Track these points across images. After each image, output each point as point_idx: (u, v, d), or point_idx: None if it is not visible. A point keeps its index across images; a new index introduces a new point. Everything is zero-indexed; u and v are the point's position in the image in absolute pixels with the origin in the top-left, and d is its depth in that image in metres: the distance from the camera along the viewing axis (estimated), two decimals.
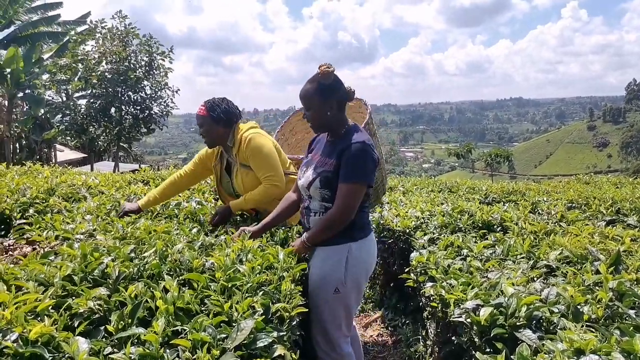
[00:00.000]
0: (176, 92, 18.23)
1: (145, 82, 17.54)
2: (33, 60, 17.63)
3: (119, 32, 16.97)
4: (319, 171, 2.16)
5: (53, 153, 21.32)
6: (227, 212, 2.71)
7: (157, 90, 17.82)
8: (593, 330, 1.49)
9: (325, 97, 2.11)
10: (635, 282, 1.85)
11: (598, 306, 1.63)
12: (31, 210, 2.68)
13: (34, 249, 2.11)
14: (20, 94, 17.80)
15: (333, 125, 2.19)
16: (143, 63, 17.27)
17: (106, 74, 16.39)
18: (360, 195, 2.09)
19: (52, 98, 18.28)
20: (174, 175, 2.99)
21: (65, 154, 23.68)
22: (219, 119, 2.73)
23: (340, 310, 2.19)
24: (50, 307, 1.40)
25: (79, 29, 19.31)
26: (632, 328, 1.43)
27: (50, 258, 1.81)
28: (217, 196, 3.15)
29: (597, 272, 1.95)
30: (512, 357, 1.40)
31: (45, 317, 1.33)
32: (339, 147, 2.12)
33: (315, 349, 2.29)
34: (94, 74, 16.25)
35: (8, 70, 16.06)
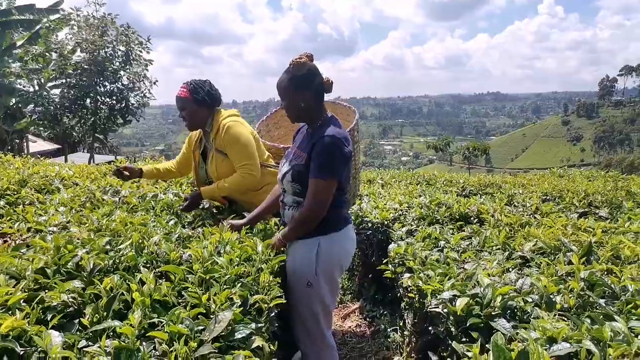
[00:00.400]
0: (154, 83, 17.96)
1: (122, 73, 17.22)
2: (3, 48, 17.07)
3: (96, 21, 16.57)
4: (292, 164, 2.14)
5: (25, 144, 20.77)
6: (197, 198, 2.67)
7: (134, 81, 17.52)
8: (565, 319, 1.53)
9: (298, 87, 2.07)
10: (605, 273, 1.91)
11: (570, 296, 1.67)
12: (2, 202, 2.61)
13: (5, 242, 2.05)
14: None
15: (308, 116, 2.15)
16: (120, 53, 16.93)
17: (83, 64, 16.01)
18: (331, 190, 2.05)
19: (24, 87, 17.78)
20: (170, 163, 3.05)
21: (38, 144, 23.10)
22: (203, 101, 2.67)
23: (316, 304, 2.17)
24: (22, 300, 1.36)
25: (52, 17, 18.80)
26: (602, 316, 1.47)
27: (22, 251, 1.76)
28: (195, 186, 3.12)
29: (570, 262, 2.00)
30: (487, 346, 1.42)
31: (17, 310, 1.30)
32: (313, 140, 2.08)
33: (297, 343, 2.30)
34: (69, 63, 15.85)
35: None
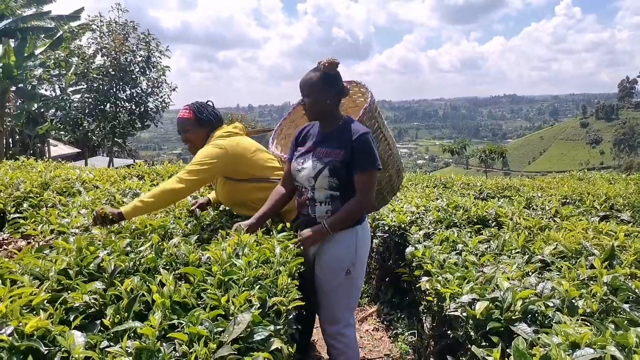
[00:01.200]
0: (174, 89, 18.25)
1: (142, 78, 17.51)
2: (25, 55, 17.47)
3: (118, 27, 16.92)
4: (326, 160, 2.20)
5: (47, 148, 21.18)
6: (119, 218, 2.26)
7: (153, 86, 17.80)
8: (588, 324, 1.50)
9: (328, 85, 2.20)
10: (629, 277, 1.87)
11: (593, 300, 1.64)
12: (25, 205, 2.66)
13: (28, 243, 2.10)
14: (13, 88, 17.64)
15: (328, 115, 2.26)
16: (140, 58, 17.24)
17: (108, 69, 16.33)
18: (376, 181, 2.23)
19: (47, 91, 18.18)
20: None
21: (59, 148, 23.53)
22: (208, 122, 2.62)
23: (353, 291, 2.32)
24: (46, 301, 1.39)
25: (73, 24, 19.19)
26: (626, 322, 1.44)
27: (46, 252, 1.80)
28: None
29: (592, 266, 1.96)
30: (507, 350, 1.41)
31: (41, 311, 1.32)
32: (345, 137, 2.18)
33: (324, 337, 2.41)
34: (92, 68, 16.18)
35: (0, 64, 15.88)
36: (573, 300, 1.65)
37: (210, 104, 2.73)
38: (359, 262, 2.27)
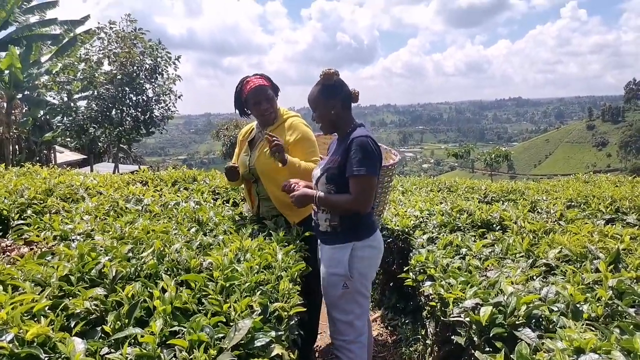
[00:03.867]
0: (179, 97, 18.40)
1: (148, 86, 17.65)
2: (31, 62, 17.62)
3: (127, 35, 17.08)
4: (325, 168, 2.25)
5: (53, 154, 21.30)
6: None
7: (159, 94, 17.95)
8: (593, 328, 1.48)
9: (328, 96, 2.22)
10: (635, 281, 1.85)
11: (598, 304, 1.62)
12: (29, 211, 2.67)
13: (31, 250, 2.10)
14: (20, 96, 17.79)
15: (338, 124, 2.28)
16: (147, 66, 17.38)
17: (118, 76, 16.47)
18: (371, 187, 2.15)
19: (54, 98, 18.31)
20: None
21: (65, 155, 23.65)
22: (277, 90, 2.78)
23: (355, 307, 2.27)
24: (47, 307, 1.39)
25: (78, 30, 19.35)
26: (632, 326, 1.42)
27: (47, 258, 1.80)
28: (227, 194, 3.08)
29: (597, 270, 1.94)
30: (511, 356, 1.39)
31: (42, 317, 1.32)
32: (344, 143, 2.20)
33: (332, 342, 2.41)
34: (100, 75, 16.31)
35: (6, 71, 16.03)
36: (578, 305, 1.63)
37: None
38: (357, 278, 2.22)
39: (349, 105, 2.29)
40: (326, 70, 2.22)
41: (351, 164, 2.12)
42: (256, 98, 2.68)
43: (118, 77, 16.54)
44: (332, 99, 2.22)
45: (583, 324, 1.49)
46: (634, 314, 1.55)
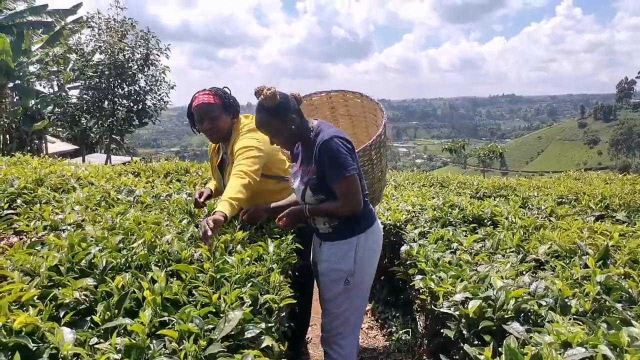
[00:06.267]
0: (172, 87, 18.26)
1: (140, 75, 17.49)
2: (23, 49, 17.39)
3: (117, 24, 16.88)
4: (305, 180, 2.19)
5: (44, 144, 21.09)
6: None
7: (152, 84, 17.79)
8: (580, 323, 1.49)
9: (283, 116, 2.09)
10: (623, 276, 1.87)
11: (586, 299, 1.64)
12: (19, 201, 2.65)
13: (20, 239, 2.09)
14: (10, 85, 17.56)
15: (300, 136, 2.20)
16: (139, 56, 17.21)
17: (104, 68, 16.29)
18: (356, 185, 2.11)
19: (45, 88, 18.12)
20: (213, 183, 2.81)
21: (56, 145, 23.42)
22: (231, 107, 2.51)
23: (353, 304, 2.26)
24: (36, 297, 1.38)
25: (69, 19, 19.12)
26: (618, 321, 1.44)
27: (37, 248, 1.79)
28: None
29: (586, 266, 1.96)
30: (499, 349, 1.40)
31: (30, 307, 1.31)
32: (312, 150, 2.14)
33: (321, 342, 2.38)
34: (89, 64, 16.13)
35: None
36: (566, 300, 1.65)
37: (227, 90, 2.60)
38: (359, 273, 2.21)
39: (300, 112, 2.18)
40: (264, 92, 2.04)
41: (330, 174, 2.08)
42: (198, 115, 2.50)
43: (106, 70, 16.36)
44: (287, 116, 2.09)
45: (571, 319, 1.50)
46: (621, 309, 1.57)
